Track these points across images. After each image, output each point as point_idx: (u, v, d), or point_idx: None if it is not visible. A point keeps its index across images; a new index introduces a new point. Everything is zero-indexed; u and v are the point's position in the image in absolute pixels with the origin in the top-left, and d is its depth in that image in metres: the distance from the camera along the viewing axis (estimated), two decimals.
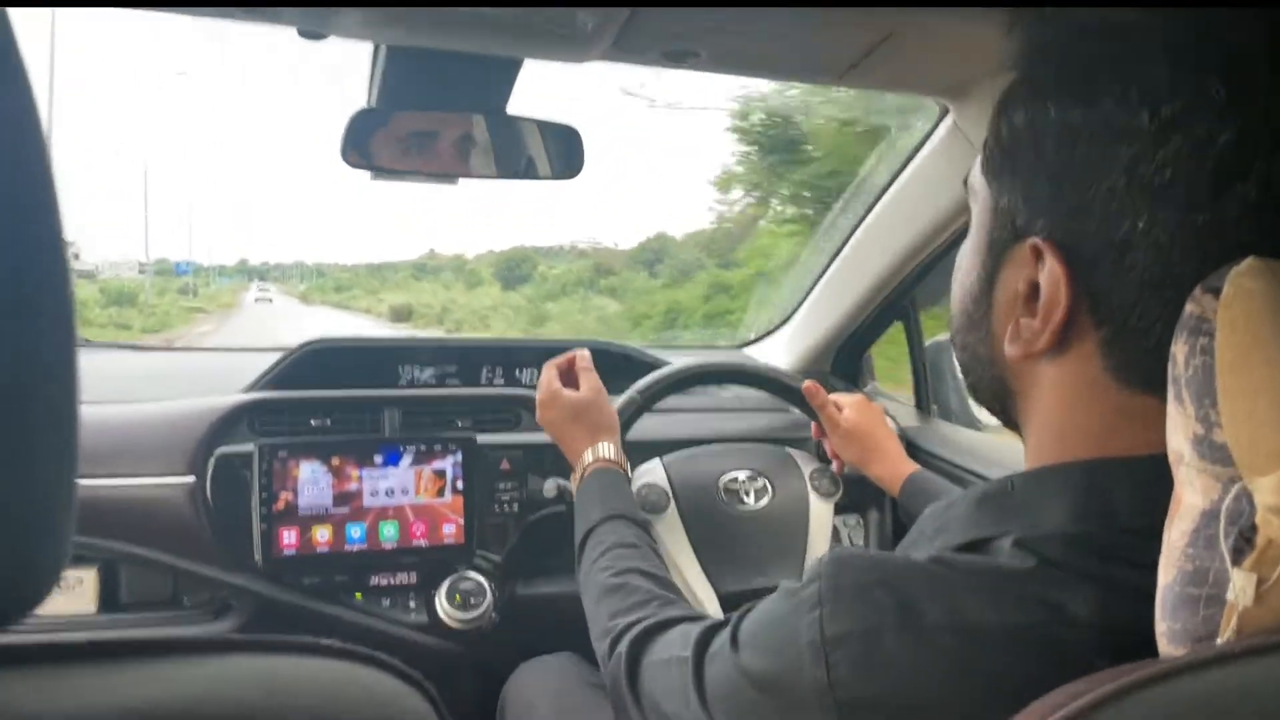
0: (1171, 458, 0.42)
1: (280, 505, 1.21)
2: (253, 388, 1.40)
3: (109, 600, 1.23)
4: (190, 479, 1.22)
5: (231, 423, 1.28)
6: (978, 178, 0.57)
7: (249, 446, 1.22)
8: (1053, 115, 0.50)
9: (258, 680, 0.35)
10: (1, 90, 0.28)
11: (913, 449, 1.44)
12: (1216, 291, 0.40)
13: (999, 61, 0.56)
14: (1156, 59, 0.46)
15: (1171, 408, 0.42)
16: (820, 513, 1.27)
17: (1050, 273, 0.49)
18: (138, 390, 1.36)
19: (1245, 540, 0.37)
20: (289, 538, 1.22)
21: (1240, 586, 0.37)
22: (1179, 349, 0.42)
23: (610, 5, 0.86)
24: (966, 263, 0.58)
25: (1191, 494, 0.40)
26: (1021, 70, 0.54)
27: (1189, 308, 0.42)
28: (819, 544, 1.25)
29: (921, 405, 1.64)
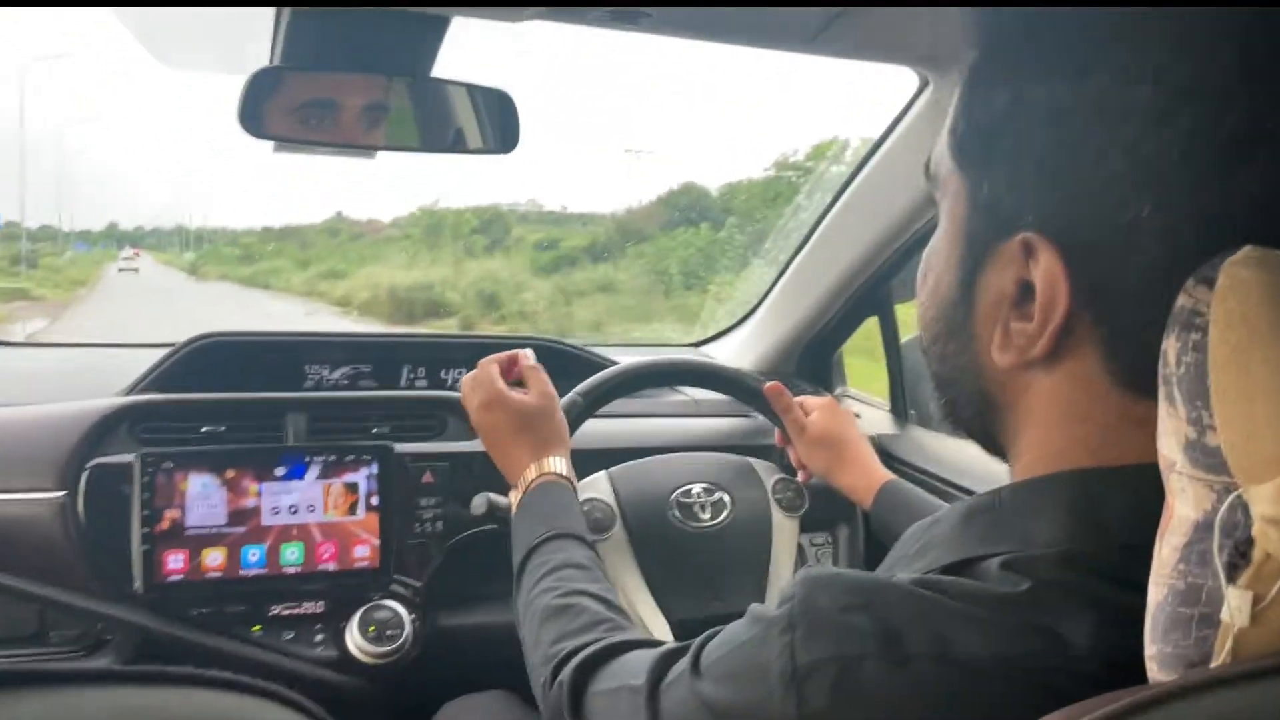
0: (1162, 464, 0.43)
1: (165, 524, 1.18)
2: (133, 389, 1.37)
3: None
4: (59, 494, 1.18)
5: (108, 429, 1.24)
6: (946, 166, 0.56)
7: (129, 457, 1.19)
8: (1039, 94, 0.50)
9: (137, 716, 0.34)
10: None
11: (887, 458, 1.46)
12: (1210, 283, 0.41)
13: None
14: (1159, 25, 0.46)
15: (1162, 409, 0.43)
16: (784, 529, 1.28)
17: (1046, 269, 0.49)
18: None
19: (1241, 555, 0.38)
20: (175, 561, 1.19)
21: (1235, 606, 0.38)
22: (1170, 345, 0.42)
23: None
24: (939, 263, 0.58)
25: (1183, 504, 0.41)
26: (996, 44, 0.54)
27: (1181, 300, 0.42)
28: (783, 564, 1.26)
29: (898, 410, 1.66)
